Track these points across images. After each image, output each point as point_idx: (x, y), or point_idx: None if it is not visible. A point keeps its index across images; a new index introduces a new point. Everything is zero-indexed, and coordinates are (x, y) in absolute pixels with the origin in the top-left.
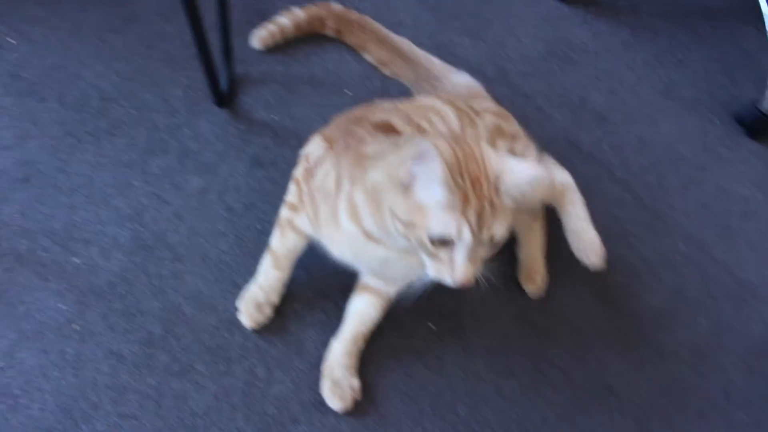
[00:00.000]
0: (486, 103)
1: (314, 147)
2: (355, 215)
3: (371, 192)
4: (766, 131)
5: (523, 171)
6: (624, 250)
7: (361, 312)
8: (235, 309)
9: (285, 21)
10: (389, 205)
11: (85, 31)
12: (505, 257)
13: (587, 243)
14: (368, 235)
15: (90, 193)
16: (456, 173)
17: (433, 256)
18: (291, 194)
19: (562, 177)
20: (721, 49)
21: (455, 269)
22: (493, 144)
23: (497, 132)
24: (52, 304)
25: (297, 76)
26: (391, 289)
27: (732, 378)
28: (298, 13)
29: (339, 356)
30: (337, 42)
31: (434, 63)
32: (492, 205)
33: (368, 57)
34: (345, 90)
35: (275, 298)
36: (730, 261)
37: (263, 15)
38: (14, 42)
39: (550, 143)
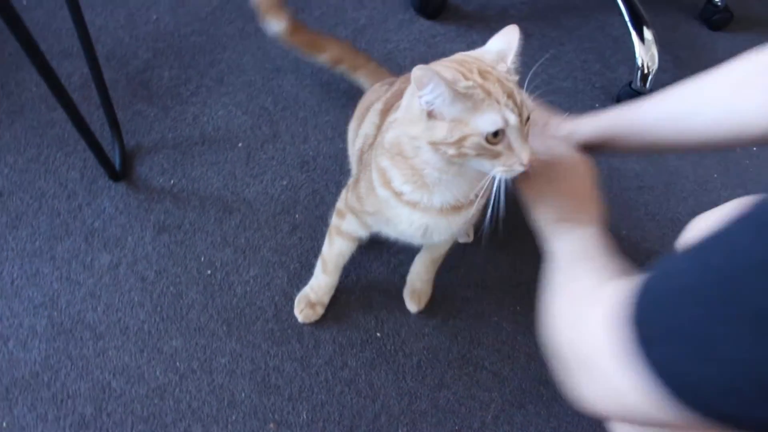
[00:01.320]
0: None
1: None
2: (384, 180)
3: (391, 149)
4: None
5: (508, 41)
6: (532, 244)
7: (431, 247)
8: (176, 375)
9: None
10: (427, 137)
11: None
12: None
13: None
14: (398, 197)
15: None
16: (463, 75)
17: (494, 155)
18: (339, 201)
19: None
20: (591, 38)
21: (519, 154)
22: None
23: None
24: None
25: (188, 139)
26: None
27: None
28: None
29: (419, 272)
30: (222, 98)
31: None
32: (509, 82)
33: (323, 56)
34: (238, 143)
35: (326, 299)
36: (635, 236)
37: (147, 86)
38: None
39: None
